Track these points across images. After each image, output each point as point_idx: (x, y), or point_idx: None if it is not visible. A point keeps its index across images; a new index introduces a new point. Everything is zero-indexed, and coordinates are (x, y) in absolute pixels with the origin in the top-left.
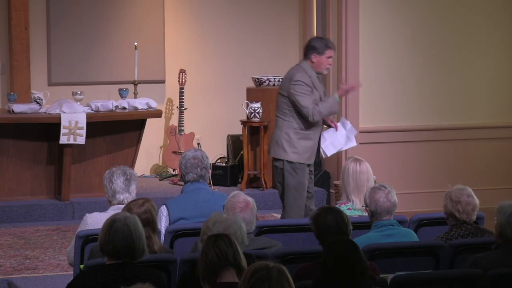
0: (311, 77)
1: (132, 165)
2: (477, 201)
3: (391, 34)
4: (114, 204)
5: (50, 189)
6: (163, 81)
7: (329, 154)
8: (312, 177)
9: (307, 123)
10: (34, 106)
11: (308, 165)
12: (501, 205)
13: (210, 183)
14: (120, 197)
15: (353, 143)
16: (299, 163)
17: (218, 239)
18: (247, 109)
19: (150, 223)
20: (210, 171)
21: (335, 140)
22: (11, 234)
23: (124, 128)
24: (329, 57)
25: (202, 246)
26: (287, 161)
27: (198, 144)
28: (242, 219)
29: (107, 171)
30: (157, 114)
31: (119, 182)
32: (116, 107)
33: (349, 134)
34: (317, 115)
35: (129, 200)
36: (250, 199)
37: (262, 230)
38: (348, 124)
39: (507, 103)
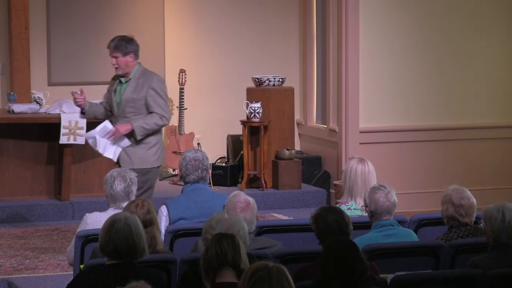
0: (116, 77)
1: None
2: (475, 201)
3: (391, 35)
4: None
5: (50, 189)
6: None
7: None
8: None
9: None
10: (34, 106)
11: None
12: (489, 212)
13: (210, 183)
14: (121, 204)
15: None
16: None
17: (223, 238)
18: (247, 109)
19: (154, 222)
20: (210, 171)
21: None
22: (11, 234)
23: None
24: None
25: (207, 242)
26: None
27: (198, 144)
28: (243, 219)
29: (108, 175)
30: None
31: (119, 190)
32: None
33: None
34: None
35: None
36: (250, 199)
37: (262, 230)
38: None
39: (507, 103)
